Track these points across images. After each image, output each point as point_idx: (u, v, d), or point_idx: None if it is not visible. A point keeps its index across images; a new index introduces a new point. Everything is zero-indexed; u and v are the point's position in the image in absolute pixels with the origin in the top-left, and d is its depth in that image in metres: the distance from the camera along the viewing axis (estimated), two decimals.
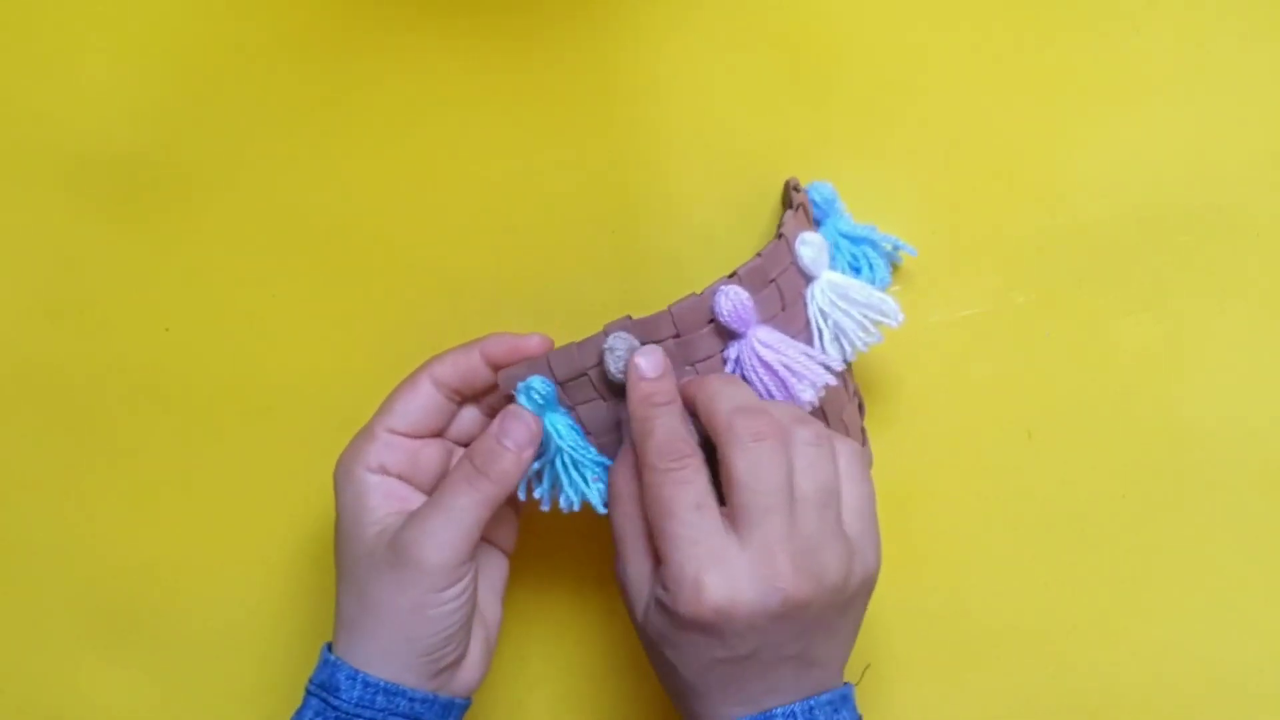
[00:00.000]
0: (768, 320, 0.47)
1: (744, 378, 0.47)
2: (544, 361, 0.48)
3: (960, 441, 0.55)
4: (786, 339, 0.47)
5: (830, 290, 0.48)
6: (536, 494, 0.49)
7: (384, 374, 0.52)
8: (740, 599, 0.43)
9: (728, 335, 0.47)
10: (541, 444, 0.48)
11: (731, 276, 0.46)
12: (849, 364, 0.51)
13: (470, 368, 0.50)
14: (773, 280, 0.47)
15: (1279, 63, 0.53)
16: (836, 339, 0.49)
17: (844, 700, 0.46)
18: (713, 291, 0.46)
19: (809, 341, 0.48)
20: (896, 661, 0.56)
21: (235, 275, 0.58)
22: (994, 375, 0.55)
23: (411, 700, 0.47)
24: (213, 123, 0.58)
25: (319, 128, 0.57)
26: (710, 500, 0.44)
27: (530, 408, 0.47)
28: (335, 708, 0.47)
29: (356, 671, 0.47)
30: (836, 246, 0.52)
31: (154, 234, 0.58)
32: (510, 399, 0.48)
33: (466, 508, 0.47)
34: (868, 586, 0.46)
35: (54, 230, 0.59)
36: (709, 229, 0.56)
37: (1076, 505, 0.55)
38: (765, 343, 0.46)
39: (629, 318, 0.47)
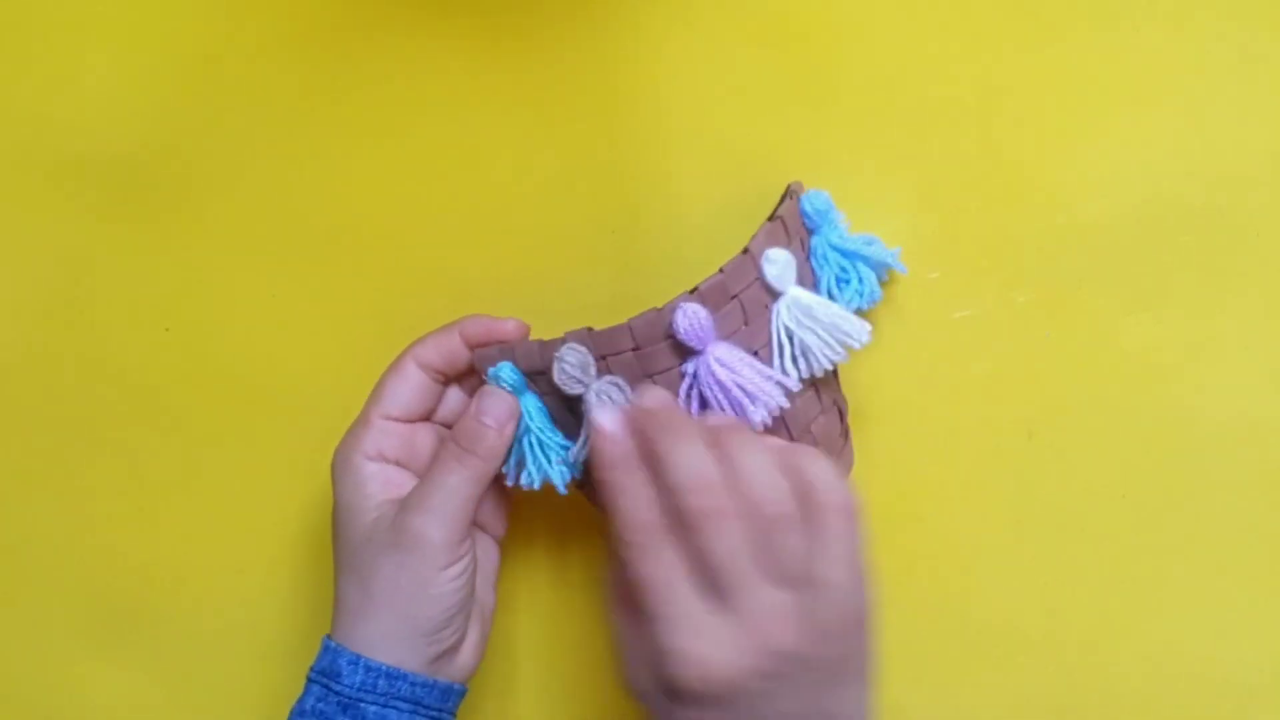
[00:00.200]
0: (729, 336, 0.47)
1: (700, 395, 0.47)
2: (511, 350, 0.49)
3: (960, 441, 0.55)
4: (745, 358, 0.46)
5: (795, 308, 0.48)
6: (504, 469, 0.50)
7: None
8: (725, 664, 0.42)
9: (686, 351, 0.47)
10: None
11: (693, 292, 0.46)
12: (834, 369, 0.50)
13: (452, 349, 0.51)
14: (735, 296, 0.47)
15: (1279, 63, 0.53)
16: (800, 357, 0.48)
17: None
18: (671, 308, 0.46)
19: (771, 357, 0.48)
20: (896, 661, 0.56)
21: (235, 275, 0.58)
22: (994, 375, 0.55)
23: (413, 684, 0.48)
24: (213, 123, 0.58)
25: (319, 127, 0.57)
26: (683, 571, 0.43)
27: (507, 387, 0.49)
28: (337, 693, 0.47)
29: (358, 656, 0.48)
30: (826, 258, 0.51)
31: (154, 234, 0.58)
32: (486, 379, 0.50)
33: (459, 485, 0.48)
34: (859, 627, 0.44)
35: (54, 230, 0.59)
36: (709, 229, 0.56)
37: (1076, 505, 0.55)
38: (722, 361, 0.46)
39: (589, 329, 0.47)
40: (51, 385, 0.59)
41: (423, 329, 0.52)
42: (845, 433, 0.53)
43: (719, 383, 0.46)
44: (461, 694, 0.51)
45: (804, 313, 0.48)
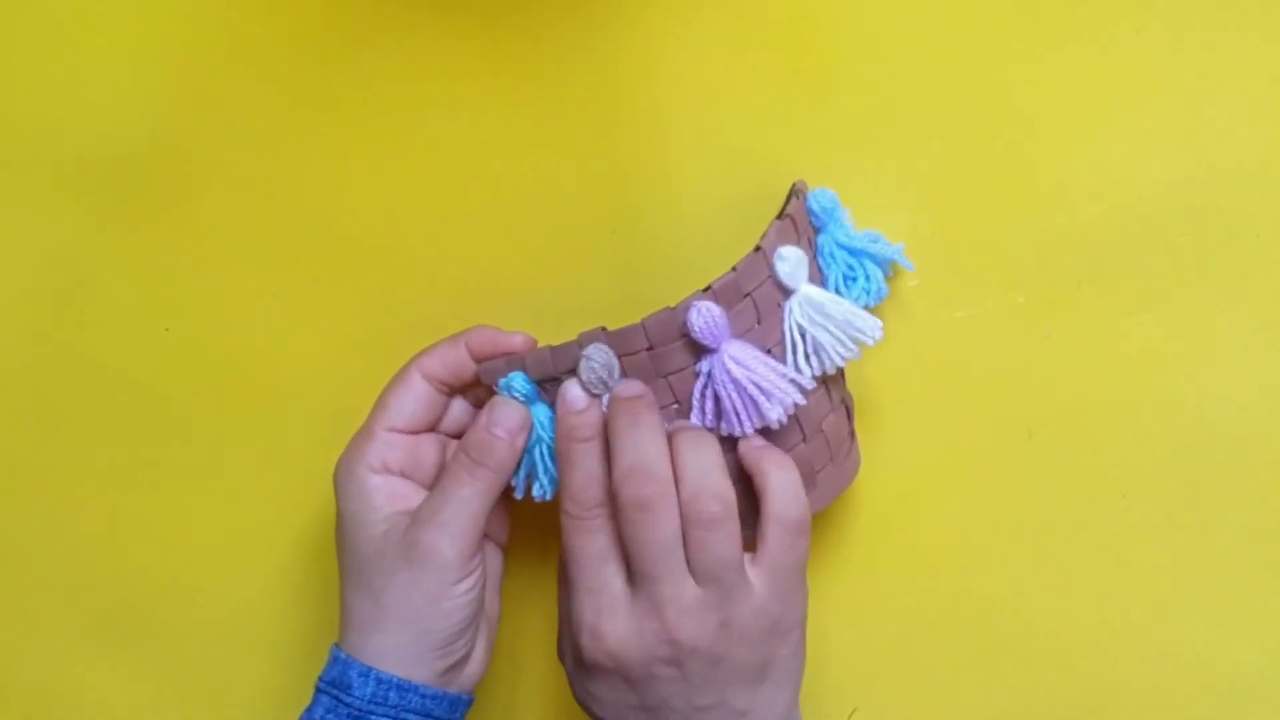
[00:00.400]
0: (742, 334, 0.47)
1: (714, 394, 0.47)
2: (521, 360, 0.49)
3: (960, 441, 0.55)
4: (759, 356, 0.47)
5: (807, 305, 0.48)
6: (512, 481, 0.50)
7: (385, 374, 0.52)
8: (631, 645, 0.45)
9: (700, 349, 0.47)
10: None
11: (706, 291, 0.46)
12: (840, 368, 0.51)
13: (458, 360, 0.51)
14: (748, 294, 0.47)
15: (1279, 63, 0.53)
16: (813, 354, 0.48)
17: None
18: (685, 306, 0.46)
19: (784, 355, 0.48)
20: (896, 661, 0.56)
21: (235, 276, 0.58)
22: (994, 375, 0.55)
23: (423, 696, 0.48)
24: (213, 123, 0.58)
25: (319, 128, 0.57)
26: (614, 552, 0.46)
27: (521, 397, 0.49)
28: (347, 704, 0.47)
29: (369, 668, 0.47)
30: (833, 256, 0.52)
31: (154, 234, 0.58)
32: (494, 390, 0.49)
33: (470, 498, 0.48)
34: (777, 635, 0.46)
35: (54, 230, 0.59)
36: (710, 229, 0.56)
37: (1076, 505, 0.55)
38: (736, 359, 0.46)
39: (603, 329, 0.47)
40: (51, 385, 0.59)
41: (423, 330, 0.52)
42: (852, 433, 0.53)
43: (734, 380, 0.46)
44: (469, 703, 0.51)
45: (816, 310, 0.48)
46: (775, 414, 0.46)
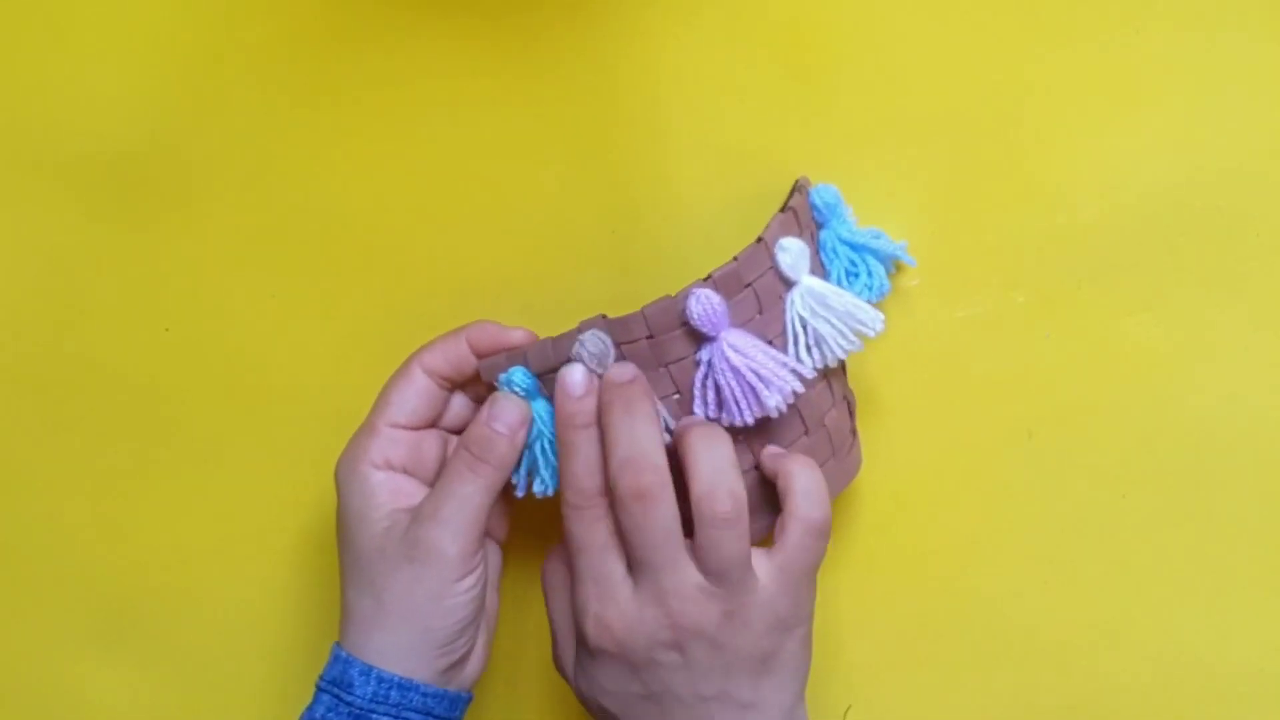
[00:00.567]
0: (743, 324, 0.47)
1: (714, 382, 0.47)
2: (521, 354, 0.49)
3: (960, 441, 0.55)
4: (759, 344, 0.47)
5: (809, 297, 0.48)
6: (514, 479, 0.50)
7: (385, 374, 0.52)
8: (635, 631, 0.45)
9: (700, 338, 0.47)
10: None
11: (706, 280, 0.46)
12: (841, 364, 0.51)
13: (459, 355, 0.51)
14: (749, 284, 0.47)
15: (1279, 63, 0.53)
16: (815, 346, 0.48)
17: None
18: (685, 294, 0.46)
19: (785, 346, 0.48)
20: (895, 661, 0.56)
21: (235, 275, 0.58)
22: (994, 375, 0.55)
23: (424, 695, 0.48)
24: (213, 123, 0.58)
25: (319, 128, 0.57)
26: (616, 540, 0.46)
27: (521, 392, 0.49)
28: (348, 703, 0.47)
29: (370, 667, 0.47)
30: (835, 252, 0.52)
31: (154, 234, 0.58)
32: (494, 386, 0.49)
33: (472, 495, 0.48)
34: (782, 630, 0.46)
35: (54, 230, 0.59)
36: (710, 229, 0.56)
37: (1076, 505, 0.55)
38: (736, 347, 0.46)
39: (603, 316, 0.47)
40: (51, 385, 0.59)
41: (422, 329, 0.52)
42: (854, 430, 0.53)
43: (733, 368, 0.46)
44: (468, 701, 0.51)
45: (818, 301, 0.48)
46: (774, 401, 0.46)
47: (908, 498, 0.55)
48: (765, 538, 0.48)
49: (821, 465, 0.49)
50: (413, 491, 0.50)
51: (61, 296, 0.59)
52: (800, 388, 0.47)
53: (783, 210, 0.49)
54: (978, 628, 0.55)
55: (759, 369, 0.46)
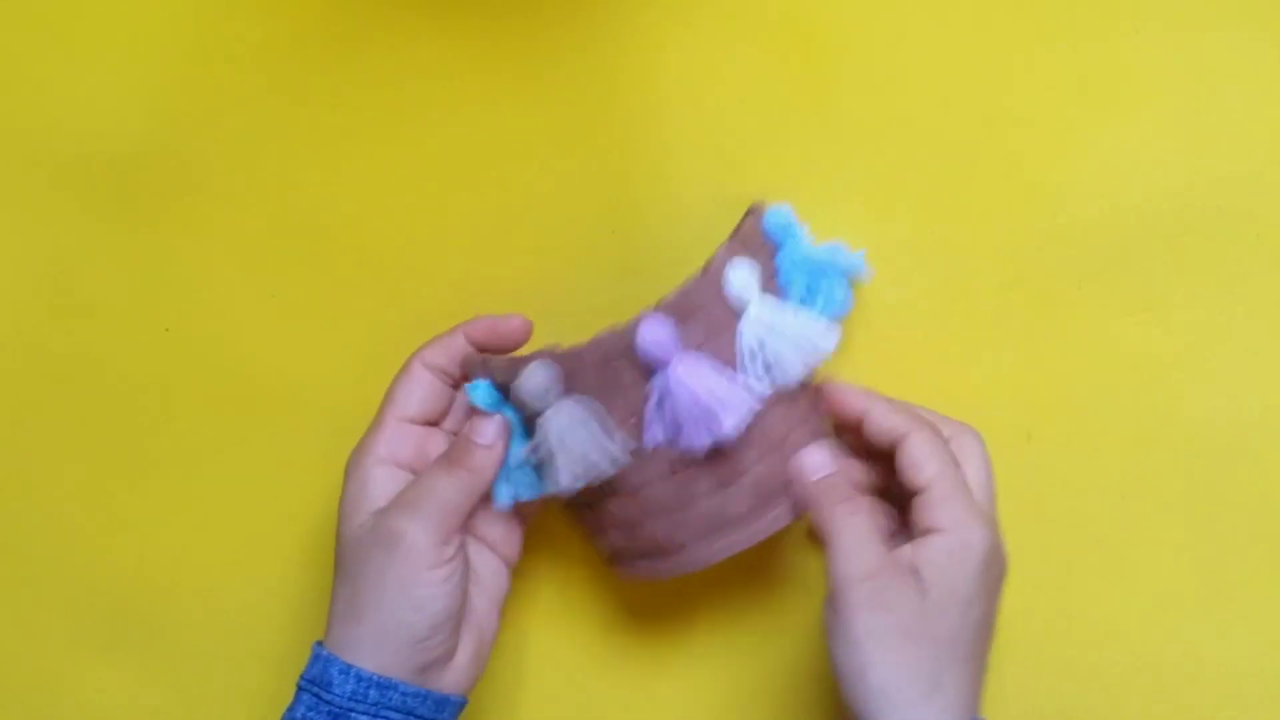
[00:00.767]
0: (695, 349, 0.46)
1: (671, 409, 0.46)
2: (489, 364, 0.49)
3: None
4: (710, 369, 0.46)
5: (761, 319, 0.47)
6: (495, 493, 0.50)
7: (384, 374, 0.52)
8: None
9: (653, 366, 0.46)
10: None
11: (655, 307, 0.46)
12: (807, 383, 0.50)
13: (458, 349, 0.51)
14: (700, 309, 0.47)
15: (1278, 63, 0.53)
16: (769, 368, 0.48)
17: None
18: (635, 322, 0.46)
19: (739, 369, 0.47)
20: None
21: (235, 275, 0.58)
22: (993, 375, 0.55)
23: (404, 694, 0.48)
24: (213, 123, 0.58)
25: (319, 128, 0.57)
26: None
27: (481, 405, 0.49)
28: (328, 702, 0.47)
29: (349, 666, 0.47)
30: (793, 273, 0.51)
31: (154, 234, 0.58)
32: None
33: (444, 488, 0.48)
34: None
35: (54, 230, 0.59)
36: (710, 229, 0.55)
37: (1076, 506, 0.55)
38: (688, 371, 0.46)
39: (556, 346, 0.47)
40: (51, 385, 0.59)
41: (422, 329, 0.52)
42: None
43: (687, 391, 0.46)
44: (460, 705, 0.51)
45: (770, 323, 0.47)
46: (730, 423, 0.46)
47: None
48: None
49: (780, 490, 0.49)
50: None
51: (61, 296, 0.59)
52: (755, 407, 0.46)
53: (732, 237, 0.49)
54: None
55: (711, 393, 0.46)
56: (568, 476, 0.47)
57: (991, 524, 0.47)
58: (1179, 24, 0.53)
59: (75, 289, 0.59)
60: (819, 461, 0.48)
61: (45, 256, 0.59)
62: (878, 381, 0.55)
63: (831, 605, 0.46)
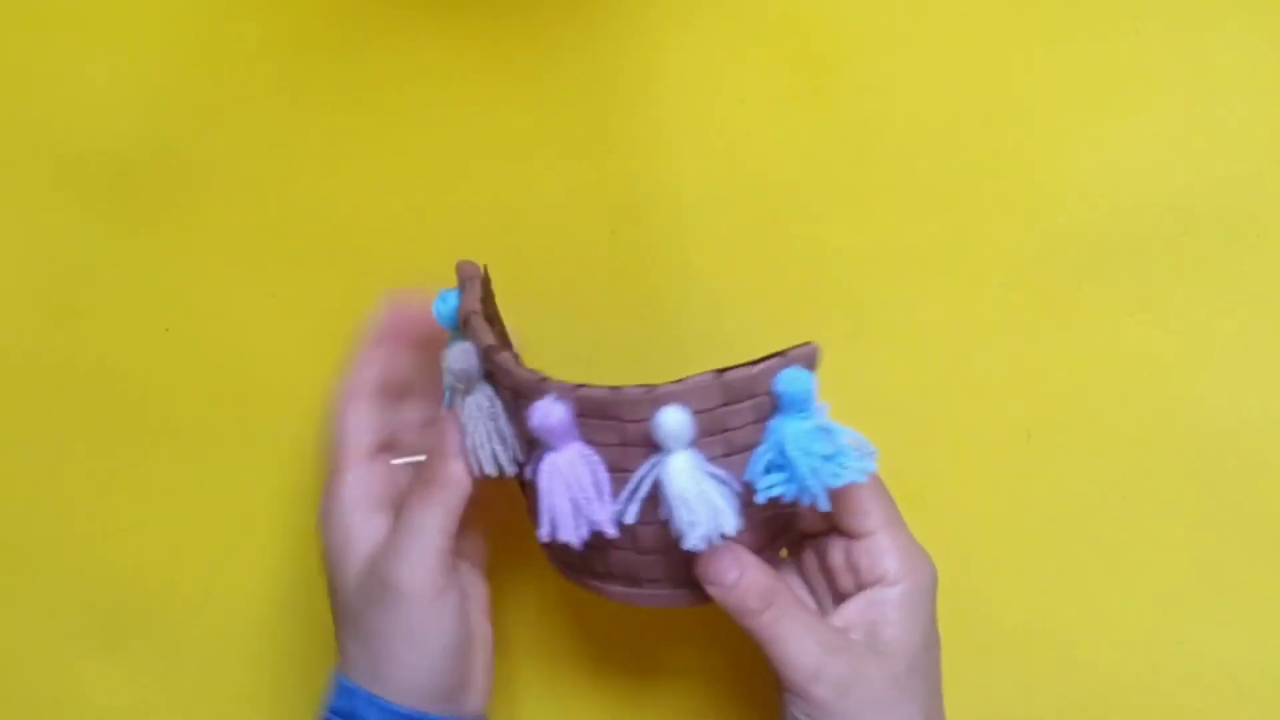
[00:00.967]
0: (596, 446, 0.44)
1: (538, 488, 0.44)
2: (464, 285, 0.48)
3: (960, 442, 0.55)
4: (588, 465, 0.44)
5: (671, 472, 0.43)
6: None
7: None
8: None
9: (544, 441, 0.44)
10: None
11: (577, 388, 0.43)
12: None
13: (380, 361, 0.51)
14: (616, 421, 0.44)
15: (1279, 63, 0.53)
16: (664, 505, 0.43)
17: None
18: (536, 401, 0.43)
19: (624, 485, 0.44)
20: None
21: (234, 276, 0.58)
22: (994, 375, 0.55)
23: None
24: (213, 123, 0.58)
25: (319, 128, 0.57)
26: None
27: (443, 322, 0.48)
28: None
29: (374, 697, 0.47)
30: (778, 443, 0.43)
31: (153, 234, 0.58)
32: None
33: (429, 523, 0.47)
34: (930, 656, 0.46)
35: (54, 230, 0.59)
36: (710, 229, 0.56)
37: (1076, 506, 0.55)
38: (565, 460, 0.43)
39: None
40: (50, 385, 0.59)
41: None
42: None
43: (564, 480, 0.44)
44: None
45: (672, 481, 0.43)
46: (578, 534, 0.44)
47: (907, 498, 0.55)
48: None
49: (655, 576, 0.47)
50: (389, 527, 0.49)
51: (60, 296, 0.59)
52: (609, 530, 0.43)
53: (722, 374, 0.43)
54: (978, 627, 0.55)
55: (579, 492, 0.44)
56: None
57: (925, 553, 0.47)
58: (1179, 24, 0.53)
59: (75, 289, 0.59)
60: (724, 567, 0.44)
61: (45, 256, 0.59)
62: (878, 381, 0.55)
63: (796, 707, 0.44)
